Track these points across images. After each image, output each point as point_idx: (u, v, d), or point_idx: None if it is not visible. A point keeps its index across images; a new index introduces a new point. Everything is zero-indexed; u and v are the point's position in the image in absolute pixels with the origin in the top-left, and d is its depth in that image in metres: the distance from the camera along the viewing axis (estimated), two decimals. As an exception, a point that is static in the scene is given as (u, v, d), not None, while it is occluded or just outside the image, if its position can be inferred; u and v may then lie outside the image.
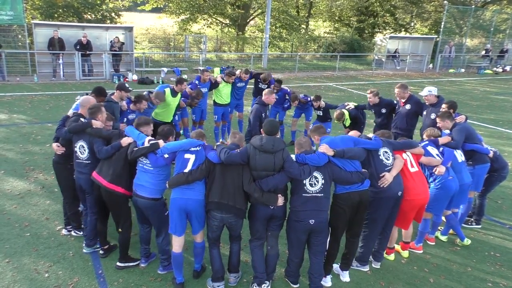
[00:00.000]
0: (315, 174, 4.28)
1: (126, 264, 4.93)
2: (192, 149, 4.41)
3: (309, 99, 9.05)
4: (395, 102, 7.46)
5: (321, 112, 8.79)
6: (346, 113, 7.47)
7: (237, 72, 9.33)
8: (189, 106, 8.40)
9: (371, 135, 4.95)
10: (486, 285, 5.02)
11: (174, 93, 7.77)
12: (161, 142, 4.50)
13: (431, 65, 26.13)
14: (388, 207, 4.76)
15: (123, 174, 4.66)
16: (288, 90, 9.44)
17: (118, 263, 4.93)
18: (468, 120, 6.14)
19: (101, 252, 5.16)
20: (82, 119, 4.96)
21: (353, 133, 5.06)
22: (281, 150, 4.25)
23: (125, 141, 4.64)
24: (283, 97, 9.33)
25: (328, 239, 4.71)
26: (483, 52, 27.58)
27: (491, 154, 5.83)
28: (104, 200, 4.82)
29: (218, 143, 4.54)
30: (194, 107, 8.47)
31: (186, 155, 4.38)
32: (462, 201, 5.66)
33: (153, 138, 4.57)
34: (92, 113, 4.95)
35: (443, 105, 6.33)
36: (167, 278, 4.77)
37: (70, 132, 4.92)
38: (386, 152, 4.76)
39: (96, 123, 4.87)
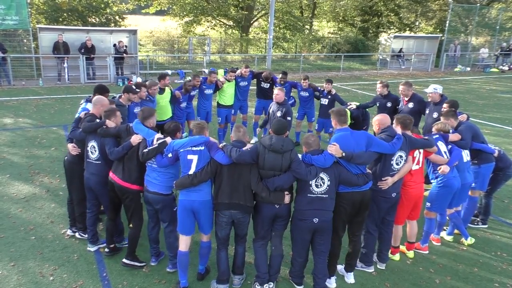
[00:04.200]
0: (321, 175, 4.26)
1: (132, 263, 4.94)
2: (195, 148, 4.33)
3: (319, 88, 9.06)
4: (400, 99, 7.51)
5: (327, 100, 8.73)
6: (348, 112, 7.45)
7: (238, 71, 9.33)
8: (185, 91, 8.32)
9: (399, 130, 4.79)
10: (493, 285, 4.98)
11: (160, 90, 7.77)
12: (168, 139, 4.51)
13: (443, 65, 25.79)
14: (382, 206, 4.80)
15: (136, 171, 4.73)
16: (295, 82, 9.47)
17: (124, 260, 4.93)
18: (474, 119, 6.11)
19: (106, 250, 5.19)
20: (97, 120, 5.04)
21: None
22: (289, 150, 4.25)
23: (134, 139, 4.65)
24: (290, 90, 9.33)
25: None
26: (497, 51, 27.17)
27: (496, 154, 5.79)
28: (116, 199, 4.91)
29: (224, 143, 4.48)
30: (188, 91, 8.39)
31: (189, 156, 4.34)
32: (462, 200, 5.66)
33: (161, 136, 4.56)
34: (106, 116, 5.00)
35: (444, 105, 6.33)
36: (172, 281, 4.77)
37: (84, 131, 4.98)
38: (400, 156, 4.70)
39: (110, 123, 4.91)
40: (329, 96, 8.74)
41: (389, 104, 7.58)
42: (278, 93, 7.45)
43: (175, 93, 8.07)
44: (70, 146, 5.34)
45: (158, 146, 4.45)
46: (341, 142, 4.37)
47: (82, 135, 5.08)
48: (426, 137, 5.12)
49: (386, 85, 7.71)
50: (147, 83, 7.43)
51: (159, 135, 4.56)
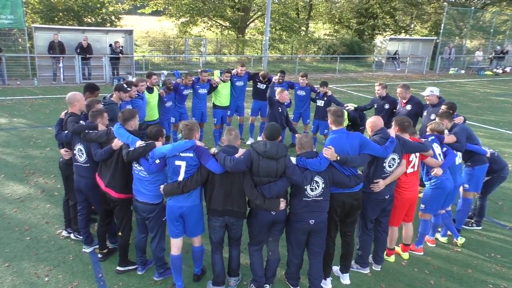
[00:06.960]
0: (316, 179, 4.26)
1: (126, 268, 4.92)
2: (182, 154, 4.25)
3: (315, 89, 9.12)
4: (397, 101, 7.55)
5: (322, 102, 8.79)
6: (345, 113, 7.49)
7: (234, 70, 9.35)
8: (167, 89, 8.26)
9: (393, 133, 4.79)
10: (487, 286, 5.02)
11: (149, 89, 7.78)
12: (156, 142, 4.43)
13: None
14: (375, 208, 4.83)
15: (117, 178, 4.64)
16: (292, 82, 9.53)
17: (118, 268, 4.91)
18: (468, 122, 6.14)
19: (99, 256, 5.15)
20: (82, 122, 4.97)
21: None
22: (284, 156, 4.23)
23: (116, 144, 4.56)
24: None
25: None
26: (491, 55, 27.35)
27: (488, 154, 5.84)
28: (107, 205, 4.85)
29: (217, 149, 4.41)
30: (170, 89, 8.32)
31: (177, 162, 4.27)
32: (452, 200, 5.67)
33: (143, 142, 4.43)
34: (93, 117, 4.93)
35: (443, 106, 6.35)
36: (167, 282, 4.76)
37: (74, 133, 4.88)
38: (393, 159, 4.71)
39: (102, 127, 4.85)
40: (325, 98, 8.78)
41: (386, 106, 7.62)
42: (285, 93, 7.91)
43: (160, 92, 8.07)
44: (62, 151, 5.28)
45: (145, 145, 4.33)
46: (336, 144, 4.37)
47: (69, 137, 4.99)
48: (422, 140, 5.12)
49: (385, 86, 7.78)
50: (135, 82, 7.37)
51: (141, 142, 4.42)
